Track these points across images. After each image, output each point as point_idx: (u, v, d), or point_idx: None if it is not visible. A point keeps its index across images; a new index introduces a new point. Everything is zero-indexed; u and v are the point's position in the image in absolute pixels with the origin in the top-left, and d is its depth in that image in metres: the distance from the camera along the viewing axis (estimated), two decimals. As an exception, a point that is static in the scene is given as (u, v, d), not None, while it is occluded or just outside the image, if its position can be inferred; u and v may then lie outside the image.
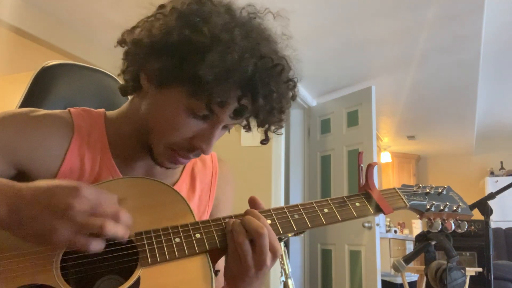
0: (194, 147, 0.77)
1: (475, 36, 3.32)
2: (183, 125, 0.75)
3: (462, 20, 3.11)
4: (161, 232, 0.71)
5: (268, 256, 0.70)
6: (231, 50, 0.69)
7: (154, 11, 0.77)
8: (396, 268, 1.32)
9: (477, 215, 1.52)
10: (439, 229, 0.91)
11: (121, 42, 0.79)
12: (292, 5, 2.89)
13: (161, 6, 0.77)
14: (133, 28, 0.78)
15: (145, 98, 0.79)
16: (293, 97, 0.81)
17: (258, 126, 0.81)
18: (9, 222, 0.60)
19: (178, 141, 0.77)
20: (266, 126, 0.81)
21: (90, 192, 0.62)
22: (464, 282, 1.24)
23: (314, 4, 2.91)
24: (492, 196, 1.49)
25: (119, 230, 0.63)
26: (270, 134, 0.83)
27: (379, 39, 3.41)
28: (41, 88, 1.01)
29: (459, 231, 0.93)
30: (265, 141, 0.84)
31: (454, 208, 0.92)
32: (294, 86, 0.80)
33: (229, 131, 0.83)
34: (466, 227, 0.93)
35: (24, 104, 0.97)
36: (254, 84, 0.71)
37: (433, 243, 1.27)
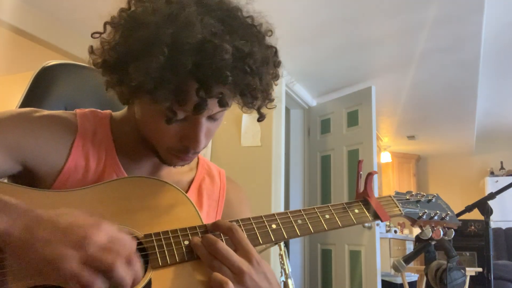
0: (186, 147, 0.76)
1: (475, 36, 3.32)
2: (165, 131, 0.75)
3: (462, 20, 3.11)
4: (170, 235, 0.71)
5: (240, 260, 0.68)
6: (159, 50, 0.65)
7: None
8: (396, 268, 1.32)
9: (477, 215, 1.52)
10: (429, 236, 0.95)
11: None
12: (293, 5, 2.89)
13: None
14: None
15: (135, 106, 0.80)
16: (271, 66, 0.75)
17: (242, 107, 0.77)
18: (20, 242, 0.57)
19: (171, 146, 0.77)
20: (250, 105, 0.77)
21: (110, 228, 0.60)
22: (464, 282, 1.24)
23: (315, 4, 2.91)
24: (492, 196, 1.49)
25: (127, 276, 0.58)
26: (264, 110, 0.80)
27: (379, 39, 3.41)
28: (41, 88, 1.01)
29: (446, 238, 0.98)
30: (260, 118, 0.80)
31: (443, 216, 0.97)
32: (266, 58, 0.74)
33: (217, 120, 0.78)
34: (454, 234, 0.98)
35: (24, 104, 0.98)
36: (203, 73, 0.67)
37: (433, 243, 1.27)
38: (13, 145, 0.74)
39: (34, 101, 0.98)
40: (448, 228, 0.98)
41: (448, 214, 0.97)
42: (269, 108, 0.81)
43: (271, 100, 0.80)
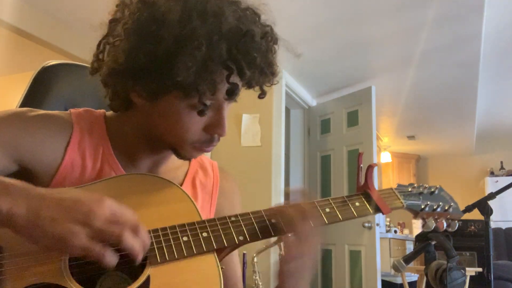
0: (211, 135, 0.79)
1: (475, 36, 3.32)
2: (191, 124, 0.76)
3: (462, 20, 3.11)
4: (168, 231, 0.71)
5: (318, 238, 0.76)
6: (198, 44, 0.68)
7: (108, 28, 0.78)
8: (396, 268, 1.32)
9: (477, 215, 1.52)
10: (432, 228, 0.94)
11: (95, 71, 0.80)
12: (292, 5, 2.89)
13: (113, 22, 0.77)
14: (99, 53, 0.79)
15: (143, 109, 0.80)
16: (275, 43, 0.80)
17: (255, 86, 0.81)
18: (26, 222, 0.58)
19: (197, 138, 0.78)
20: (262, 83, 0.81)
21: (113, 203, 0.62)
22: (464, 282, 1.23)
23: (314, 4, 2.91)
24: (492, 196, 1.49)
25: (136, 243, 0.62)
26: (266, 88, 0.84)
27: (379, 39, 3.41)
28: (41, 88, 1.01)
29: (450, 230, 0.96)
30: (262, 95, 0.83)
31: (446, 208, 0.95)
32: (272, 35, 0.79)
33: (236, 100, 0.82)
34: (457, 226, 0.96)
35: (24, 103, 0.98)
36: (235, 59, 0.71)
37: (433, 243, 1.27)
38: (9, 144, 0.74)
39: (34, 101, 0.98)
40: (452, 220, 0.96)
41: (451, 205, 0.96)
42: (273, 84, 0.84)
43: (276, 77, 0.84)
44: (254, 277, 2.87)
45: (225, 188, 0.97)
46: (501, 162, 7.06)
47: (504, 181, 6.37)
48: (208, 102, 0.74)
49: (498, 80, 4.52)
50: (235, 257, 0.95)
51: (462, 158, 7.36)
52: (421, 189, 0.96)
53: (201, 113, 0.74)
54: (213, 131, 0.78)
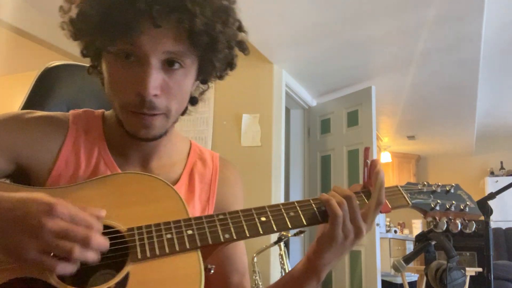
0: (138, 96, 0.73)
1: (475, 36, 3.32)
2: (118, 79, 0.75)
3: (462, 20, 3.11)
4: (153, 228, 0.70)
5: (363, 224, 0.75)
6: None
7: None
8: (396, 268, 1.33)
9: (477, 215, 1.52)
10: (444, 229, 0.87)
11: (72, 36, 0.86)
12: (293, 5, 2.89)
13: None
14: None
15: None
16: (224, 12, 0.75)
17: (200, 55, 0.76)
18: None
19: (126, 100, 0.75)
20: (209, 55, 0.76)
21: (65, 210, 0.60)
22: (464, 282, 1.24)
23: (314, 4, 2.91)
24: (492, 196, 1.49)
25: (88, 256, 0.60)
26: (223, 73, 0.82)
27: (379, 39, 3.41)
28: (44, 88, 1.02)
29: (467, 231, 0.89)
30: (219, 77, 0.83)
31: (461, 207, 0.88)
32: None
33: (176, 75, 0.76)
34: (474, 227, 0.89)
35: (27, 104, 0.99)
36: None
37: (433, 243, 1.27)
38: (6, 147, 0.77)
39: (36, 102, 0.99)
40: (468, 221, 0.89)
41: (468, 204, 0.89)
42: (232, 63, 0.82)
43: (230, 48, 0.79)
44: (254, 277, 2.87)
45: (226, 177, 0.97)
46: (501, 162, 7.06)
47: (504, 181, 6.37)
48: (132, 57, 0.72)
49: (498, 80, 4.52)
50: (239, 250, 0.93)
51: (462, 158, 7.36)
52: (433, 188, 0.89)
53: (133, 60, 0.72)
54: (138, 89, 0.72)
